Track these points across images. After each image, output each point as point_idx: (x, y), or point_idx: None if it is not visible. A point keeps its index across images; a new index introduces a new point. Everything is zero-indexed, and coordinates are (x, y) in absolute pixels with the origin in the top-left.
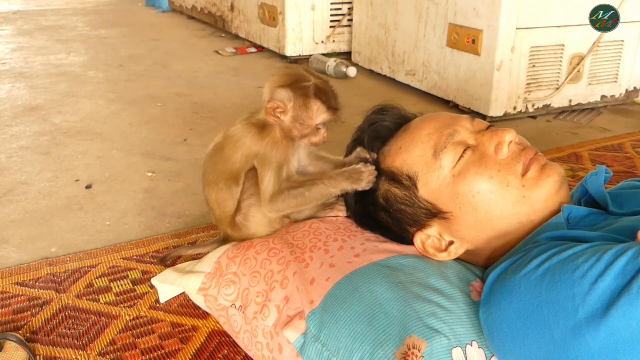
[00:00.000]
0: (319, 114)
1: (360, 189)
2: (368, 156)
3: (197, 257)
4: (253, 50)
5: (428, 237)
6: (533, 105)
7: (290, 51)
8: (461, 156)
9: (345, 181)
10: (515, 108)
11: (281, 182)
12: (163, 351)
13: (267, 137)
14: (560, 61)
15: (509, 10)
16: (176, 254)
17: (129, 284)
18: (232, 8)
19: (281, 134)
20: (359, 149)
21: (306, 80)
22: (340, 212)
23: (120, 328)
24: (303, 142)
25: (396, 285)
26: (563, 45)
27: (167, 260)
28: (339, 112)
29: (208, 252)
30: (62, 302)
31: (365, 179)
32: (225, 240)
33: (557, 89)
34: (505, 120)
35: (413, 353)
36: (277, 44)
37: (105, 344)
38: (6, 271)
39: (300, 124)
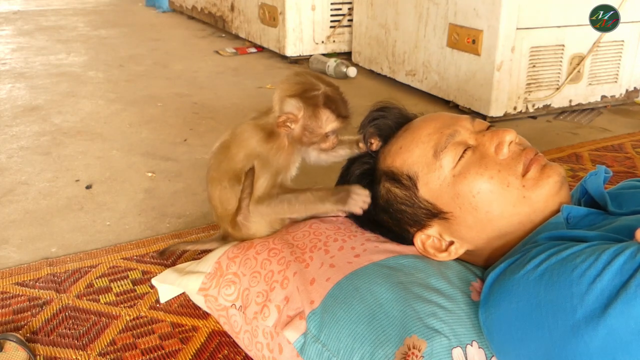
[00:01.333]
0: (328, 122)
1: (350, 211)
2: (368, 144)
3: (197, 257)
4: (253, 50)
5: (428, 237)
6: (533, 105)
7: (290, 51)
8: (461, 156)
9: (336, 202)
10: (515, 108)
11: (274, 186)
12: (163, 351)
13: (273, 142)
14: (560, 61)
15: (509, 10)
16: (175, 249)
17: (129, 284)
18: (232, 8)
19: (288, 140)
20: (361, 136)
21: (316, 88)
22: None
23: (120, 328)
24: (312, 147)
25: (396, 285)
26: (563, 45)
27: (166, 254)
28: (348, 119)
29: (207, 249)
30: (62, 302)
31: (355, 203)
32: (224, 239)
33: (557, 89)
34: (505, 120)
35: (413, 353)
36: (277, 44)
37: (105, 344)
38: (6, 271)
39: (309, 132)
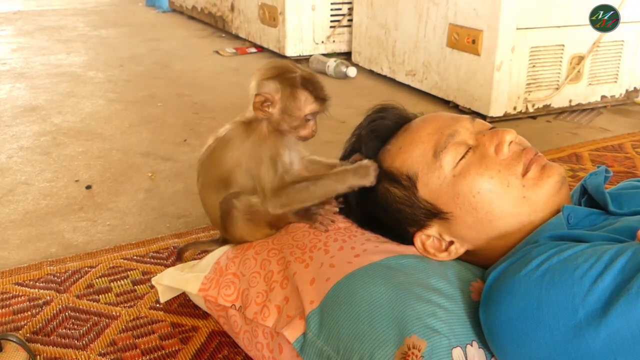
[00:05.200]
0: (306, 104)
1: (368, 184)
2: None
3: (197, 257)
4: (253, 50)
5: (428, 237)
6: (533, 105)
7: (290, 51)
8: (462, 156)
9: (353, 177)
10: (515, 108)
11: (280, 176)
12: (163, 351)
13: (253, 133)
14: (560, 61)
15: (509, 10)
16: (193, 248)
17: (129, 284)
18: (232, 8)
19: (268, 128)
20: (355, 156)
21: (292, 71)
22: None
23: (121, 328)
24: (292, 135)
25: (396, 286)
26: (563, 45)
27: (183, 253)
28: (326, 102)
29: (212, 249)
30: (62, 302)
31: (371, 174)
32: (225, 241)
33: (557, 89)
34: (505, 120)
35: (413, 353)
36: (277, 44)
37: (106, 344)
38: (6, 271)
39: (288, 116)
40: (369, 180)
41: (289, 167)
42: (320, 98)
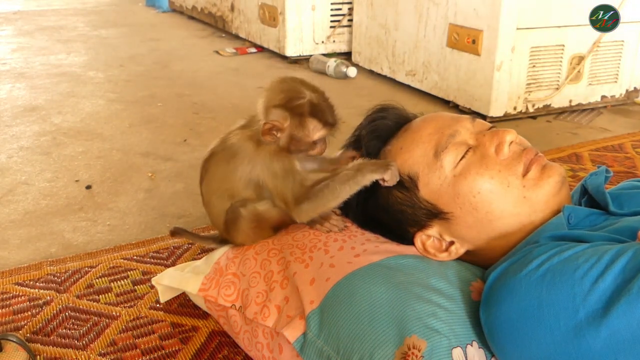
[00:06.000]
0: (315, 131)
1: (389, 179)
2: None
3: (197, 257)
4: (253, 50)
5: (428, 237)
6: (533, 105)
7: (290, 51)
8: (462, 156)
9: (375, 170)
10: (515, 108)
11: (299, 184)
12: (163, 351)
13: (263, 151)
14: (560, 61)
15: (509, 10)
16: (183, 234)
17: (129, 284)
18: (232, 8)
19: (277, 146)
20: (349, 152)
21: (301, 96)
22: (335, 226)
23: (121, 328)
24: (301, 154)
25: (396, 286)
26: (563, 45)
27: (178, 233)
28: (336, 126)
29: (209, 247)
30: (62, 302)
31: (394, 173)
32: (223, 240)
33: (557, 89)
34: (505, 120)
35: (413, 353)
36: (277, 44)
37: (106, 344)
38: (6, 271)
39: (297, 141)
40: (389, 176)
41: (304, 175)
42: (329, 124)
